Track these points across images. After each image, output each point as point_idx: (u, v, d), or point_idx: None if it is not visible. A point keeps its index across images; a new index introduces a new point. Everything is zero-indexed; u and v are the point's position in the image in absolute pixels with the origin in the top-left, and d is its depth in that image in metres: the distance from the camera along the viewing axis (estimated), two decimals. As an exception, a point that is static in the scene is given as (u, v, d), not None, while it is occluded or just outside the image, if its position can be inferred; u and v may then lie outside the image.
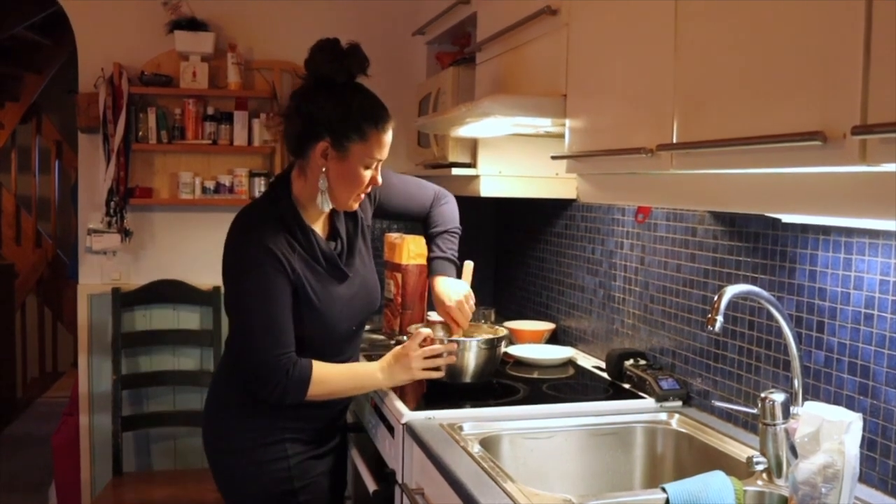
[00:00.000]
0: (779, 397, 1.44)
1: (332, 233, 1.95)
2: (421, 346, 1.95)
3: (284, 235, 1.81)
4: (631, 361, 2.15)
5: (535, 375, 2.31)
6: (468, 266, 2.15)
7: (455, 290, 2.10)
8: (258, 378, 1.79)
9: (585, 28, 1.74)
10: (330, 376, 1.86)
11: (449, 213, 2.23)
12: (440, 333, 2.12)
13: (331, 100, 1.79)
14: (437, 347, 1.97)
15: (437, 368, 1.97)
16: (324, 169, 1.80)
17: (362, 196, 1.88)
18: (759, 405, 1.45)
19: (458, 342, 2.05)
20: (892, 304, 1.42)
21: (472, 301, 2.11)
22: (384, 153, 1.85)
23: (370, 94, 1.86)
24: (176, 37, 3.04)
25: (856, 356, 1.50)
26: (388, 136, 1.84)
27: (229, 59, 3.09)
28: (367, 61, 1.83)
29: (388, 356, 1.96)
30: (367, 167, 1.82)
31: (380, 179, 1.87)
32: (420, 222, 2.24)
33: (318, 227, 1.92)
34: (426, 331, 2.01)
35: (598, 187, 1.76)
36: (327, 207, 1.84)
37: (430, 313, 2.80)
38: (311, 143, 1.80)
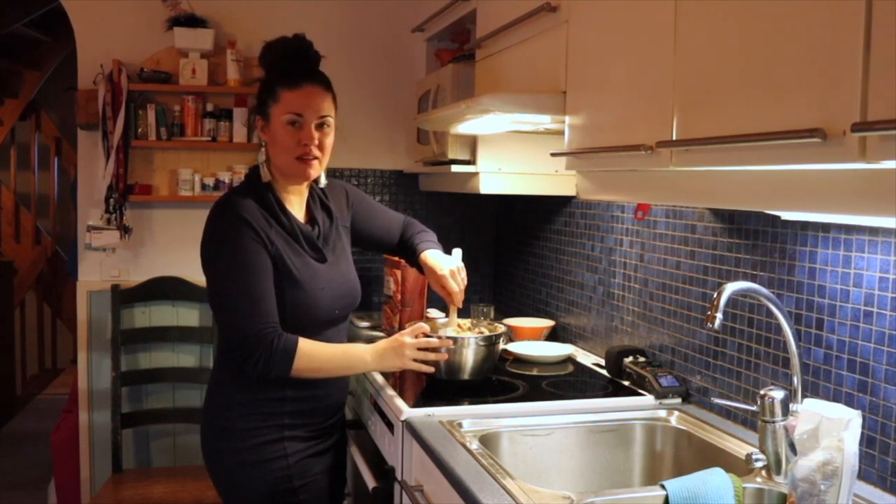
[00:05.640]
0: (778, 394, 1.44)
1: (311, 221, 1.99)
2: (417, 338, 1.97)
3: (261, 211, 1.87)
4: (630, 358, 2.15)
5: (535, 372, 2.31)
6: (456, 253, 2.15)
7: (446, 261, 2.11)
8: (243, 350, 1.79)
9: (585, 25, 1.74)
10: (316, 352, 1.86)
11: (421, 224, 2.28)
12: (440, 331, 2.13)
13: (259, 87, 1.95)
14: (432, 341, 1.98)
15: (429, 364, 1.98)
16: (264, 142, 1.93)
17: (310, 160, 1.88)
18: (759, 402, 1.45)
19: (455, 339, 2.05)
20: (892, 301, 1.42)
21: (464, 275, 2.11)
22: (303, 107, 1.86)
23: (291, 70, 1.90)
24: (175, 34, 3.03)
25: (855, 353, 1.50)
26: (306, 94, 1.87)
27: (229, 56, 3.09)
28: (277, 50, 1.92)
29: (382, 341, 1.98)
30: (290, 123, 1.86)
31: (316, 137, 1.87)
32: (390, 245, 2.25)
33: (297, 213, 1.95)
34: (424, 325, 2.02)
35: (597, 184, 1.76)
36: (268, 177, 1.92)
37: (429, 310, 2.81)
38: (256, 130, 1.97)
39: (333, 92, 1.92)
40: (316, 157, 1.88)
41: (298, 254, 1.89)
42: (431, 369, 1.99)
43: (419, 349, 1.96)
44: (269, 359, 1.78)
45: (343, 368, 1.95)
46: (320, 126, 1.88)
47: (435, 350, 1.99)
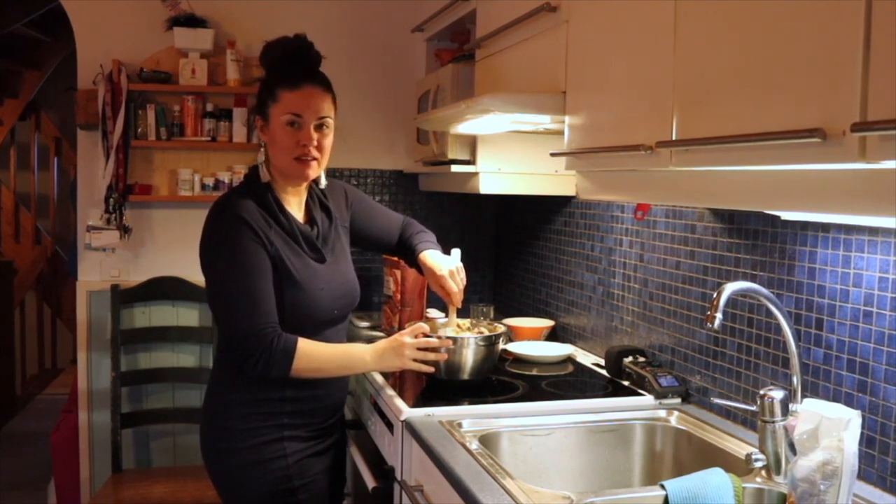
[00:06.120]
0: (778, 394, 1.44)
1: (309, 221, 1.99)
2: (416, 338, 1.97)
3: (260, 212, 1.87)
4: (630, 358, 2.15)
5: (535, 372, 2.31)
6: (455, 253, 2.15)
7: (445, 261, 2.12)
8: (243, 350, 1.79)
9: (585, 25, 1.74)
10: (316, 352, 1.86)
11: (420, 224, 2.28)
12: (440, 331, 2.13)
13: (259, 87, 1.94)
14: (432, 341, 1.98)
15: (429, 364, 1.98)
16: (264, 142, 1.92)
17: (308, 161, 1.88)
18: (759, 402, 1.46)
19: (455, 339, 2.05)
20: (891, 301, 1.42)
21: (463, 275, 2.11)
22: (303, 108, 1.86)
23: (291, 71, 1.90)
24: (175, 34, 3.03)
25: (855, 353, 1.50)
26: (306, 94, 1.86)
27: (228, 56, 3.09)
28: (272, 51, 1.92)
29: (382, 341, 1.98)
30: (289, 123, 1.86)
31: (315, 138, 1.87)
32: (389, 245, 2.25)
33: (296, 214, 1.96)
34: (424, 325, 2.02)
35: (597, 184, 1.76)
36: (267, 177, 1.92)
37: (429, 310, 2.81)
38: (255, 130, 1.96)
39: (333, 93, 1.92)
40: (315, 158, 1.88)
41: (297, 254, 1.89)
42: (431, 369, 1.99)
43: (419, 349, 1.96)
44: (268, 359, 1.78)
45: (343, 368, 1.95)
46: (319, 127, 1.88)
47: (434, 350, 1.99)
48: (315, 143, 1.87)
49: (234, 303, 1.81)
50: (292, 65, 1.89)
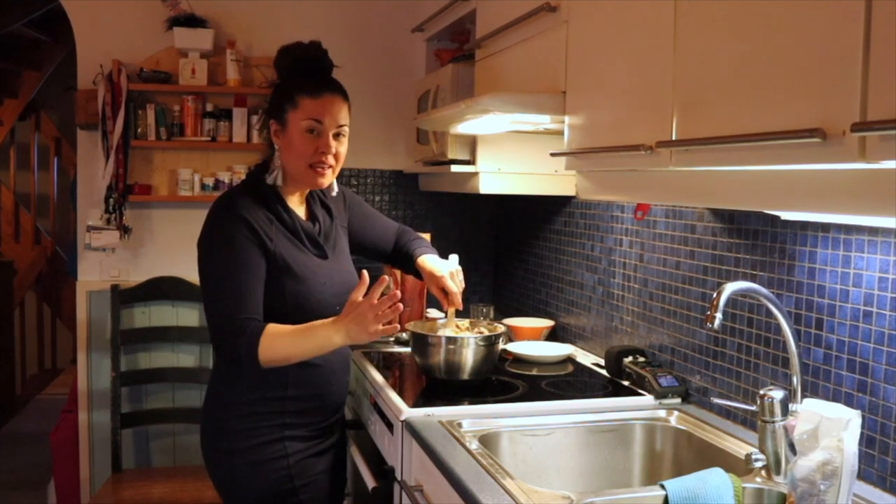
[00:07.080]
0: (778, 394, 1.44)
1: (311, 218, 2.00)
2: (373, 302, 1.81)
3: (263, 210, 1.86)
4: (630, 358, 2.15)
5: (534, 372, 2.31)
6: (453, 258, 2.15)
7: (444, 264, 2.11)
8: (216, 339, 1.80)
9: (585, 25, 1.74)
10: (280, 333, 1.78)
11: (415, 232, 2.27)
12: (439, 332, 2.13)
13: (275, 90, 1.94)
14: (385, 300, 1.80)
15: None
16: (277, 147, 1.90)
17: (324, 169, 1.88)
18: (758, 402, 1.46)
19: (454, 339, 2.05)
20: (891, 301, 1.42)
21: (462, 277, 2.10)
22: (324, 115, 1.85)
23: (310, 77, 1.90)
24: (175, 33, 3.04)
25: (855, 353, 1.50)
26: (326, 102, 1.86)
27: (228, 56, 3.09)
28: (282, 55, 1.92)
29: (345, 318, 1.79)
30: (309, 130, 1.85)
31: (333, 146, 1.87)
32: (385, 252, 2.24)
33: (297, 211, 1.96)
34: (362, 282, 1.83)
35: (597, 184, 1.76)
36: (278, 182, 1.91)
37: (429, 310, 2.81)
38: (269, 132, 1.93)
39: (349, 101, 1.92)
40: (330, 166, 1.89)
41: (300, 250, 1.90)
42: (397, 328, 1.83)
43: (378, 314, 1.78)
44: (234, 342, 1.75)
45: (312, 352, 1.84)
46: (336, 135, 1.88)
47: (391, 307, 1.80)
48: (333, 150, 1.87)
49: (216, 297, 1.81)
50: (309, 71, 1.88)
